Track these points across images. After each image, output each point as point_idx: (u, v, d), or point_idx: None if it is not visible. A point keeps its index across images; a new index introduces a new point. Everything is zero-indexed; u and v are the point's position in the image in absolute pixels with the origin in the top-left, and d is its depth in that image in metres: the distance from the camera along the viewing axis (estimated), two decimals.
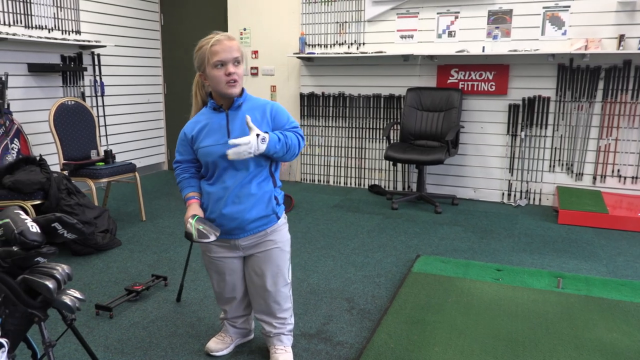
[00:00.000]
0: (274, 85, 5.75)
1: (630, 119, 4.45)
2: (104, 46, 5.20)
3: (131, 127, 5.84)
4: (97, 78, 5.27)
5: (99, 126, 4.39)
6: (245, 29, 5.74)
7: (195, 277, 3.04)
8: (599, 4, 4.37)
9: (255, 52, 5.75)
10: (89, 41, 5.02)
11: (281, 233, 2.04)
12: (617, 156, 4.54)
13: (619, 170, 4.55)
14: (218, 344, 2.23)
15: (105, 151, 4.15)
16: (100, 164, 4.04)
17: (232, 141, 1.78)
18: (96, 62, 5.24)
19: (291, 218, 4.32)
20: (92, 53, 5.20)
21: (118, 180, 4.14)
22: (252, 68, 5.79)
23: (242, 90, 1.96)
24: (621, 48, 4.26)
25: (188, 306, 2.69)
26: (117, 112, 5.61)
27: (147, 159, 6.13)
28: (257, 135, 1.81)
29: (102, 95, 5.33)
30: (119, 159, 4.70)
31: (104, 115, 5.37)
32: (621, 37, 4.26)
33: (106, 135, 5.41)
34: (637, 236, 3.88)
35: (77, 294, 1.57)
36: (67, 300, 1.54)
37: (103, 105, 5.35)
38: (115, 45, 5.45)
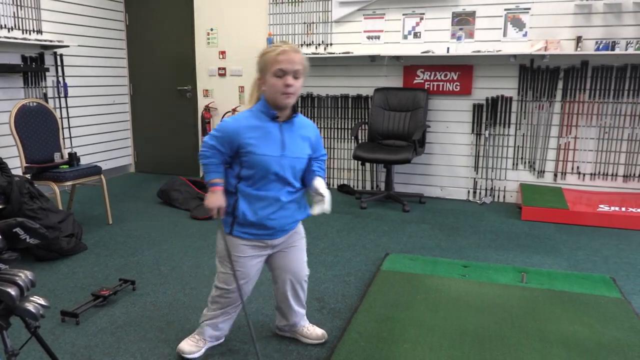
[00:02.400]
0: (242, 85, 5.72)
1: (587, 117, 4.61)
2: (67, 46, 5.08)
3: (96, 129, 5.72)
4: (60, 79, 5.14)
5: (62, 128, 4.29)
6: (212, 29, 5.70)
7: (165, 281, 3.01)
8: (557, 7, 4.51)
9: (223, 53, 5.71)
10: (50, 41, 4.89)
11: (301, 226, 2.24)
12: (577, 154, 4.69)
13: (578, 168, 4.72)
14: (192, 347, 2.21)
15: (70, 154, 4.05)
16: (65, 166, 3.95)
17: (316, 212, 2.04)
18: (59, 63, 5.11)
19: None
20: (55, 53, 5.07)
21: (83, 183, 4.05)
22: (219, 69, 5.75)
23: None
24: (579, 49, 4.41)
25: (157, 310, 2.66)
26: (82, 114, 5.49)
27: (113, 161, 6.01)
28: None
29: (66, 96, 5.21)
30: (84, 161, 4.61)
31: (68, 117, 5.25)
32: (579, 39, 4.41)
33: (70, 137, 5.28)
34: (596, 231, 4.03)
35: (41, 301, 1.54)
36: (30, 307, 1.51)
37: (67, 107, 5.23)
38: (79, 45, 5.33)
